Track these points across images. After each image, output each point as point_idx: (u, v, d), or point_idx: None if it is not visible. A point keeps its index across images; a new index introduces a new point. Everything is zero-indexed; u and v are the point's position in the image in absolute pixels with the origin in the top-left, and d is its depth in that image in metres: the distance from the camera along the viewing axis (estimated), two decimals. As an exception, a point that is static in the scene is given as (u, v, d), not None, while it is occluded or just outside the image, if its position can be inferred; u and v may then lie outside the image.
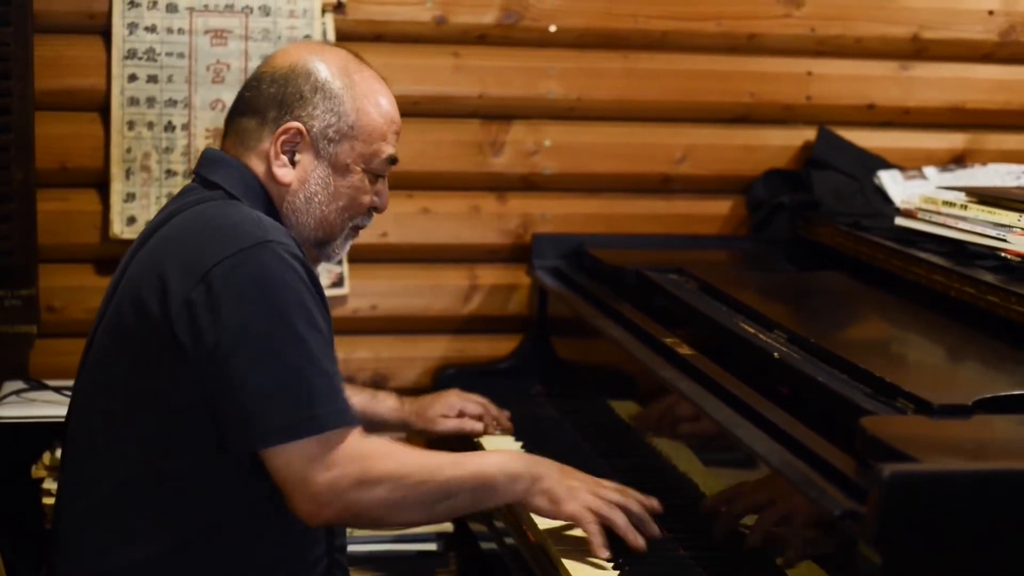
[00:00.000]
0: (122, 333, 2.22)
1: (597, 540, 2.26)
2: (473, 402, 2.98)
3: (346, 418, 2.14)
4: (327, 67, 2.35)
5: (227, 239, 2.16)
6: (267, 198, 2.34)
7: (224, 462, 2.17)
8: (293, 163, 2.34)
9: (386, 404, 2.92)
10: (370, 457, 2.15)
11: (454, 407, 2.94)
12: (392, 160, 2.42)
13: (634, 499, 2.31)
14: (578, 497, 2.28)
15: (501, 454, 2.39)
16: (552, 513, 2.29)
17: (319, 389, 2.12)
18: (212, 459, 2.17)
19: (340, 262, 3.42)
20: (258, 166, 2.34)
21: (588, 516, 2.27)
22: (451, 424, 2.95)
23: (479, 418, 2.96)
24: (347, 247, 2.45)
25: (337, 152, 2.35)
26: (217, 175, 2.33)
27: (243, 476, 2.17)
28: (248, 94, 2.37)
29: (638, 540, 2.26)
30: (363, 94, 2.37)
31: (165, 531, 2.18)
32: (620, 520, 2.27)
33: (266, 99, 2.34)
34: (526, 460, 2.32)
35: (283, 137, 2.32)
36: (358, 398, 2.83)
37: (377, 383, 3.51)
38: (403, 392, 3.49)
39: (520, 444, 2.95)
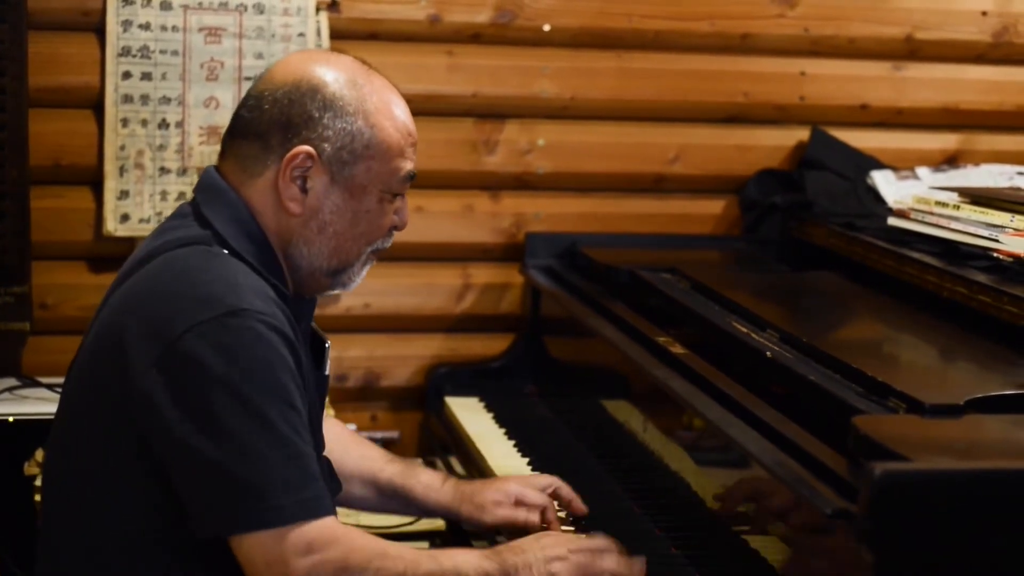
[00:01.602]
0: (84, 379, 2.11)
1: None
2: (535, 489, 2.45)
3: (318, 507, 1.99)
4: (334, 80, 2.13)
5: (199, 303, 1.99)
6: (262, 238, 2.13)
7: (168, 527, 2.03)
8: (304, 190, 2.12)
9: (422, 480, 2.48)
10: (349, 545, 2.00)
11: (510, 494, 2.42)
12: (411, 176, 2.20)
13: (605, 551, 2.17)
14: (557, 572, 2.11)
15: (474, 553, 2.12)
16: None
17: (288, 476, 1.96)
18: (162, 530, 2.04)
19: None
20: (259, 196, 2.13)
21: None
22: (503, 513, 2.41)
23: (541, 510, 2.42)
24: (364, 273, 2.25)
25: (353, 175, 2.13)
26: (211, 209, 2.13)
27: (192, 545, 2.03)
28: (248, 115, 2.14)
29: None
30: (376, 107, 2.14)
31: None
32: None
33: (269, 120, 2.11)
34: (502, 555, 2.11)
35: (292, 163, 2.10)
36: (390, 469, 2.50)
37: (369, 382, 3.52)
38: (396, 392, 3.52)
39: (513, 443, 2.95)
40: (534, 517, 2.39)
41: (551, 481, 2.48)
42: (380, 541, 2.05)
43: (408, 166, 2.18)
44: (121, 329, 2.04)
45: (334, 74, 2.14)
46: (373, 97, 2.15)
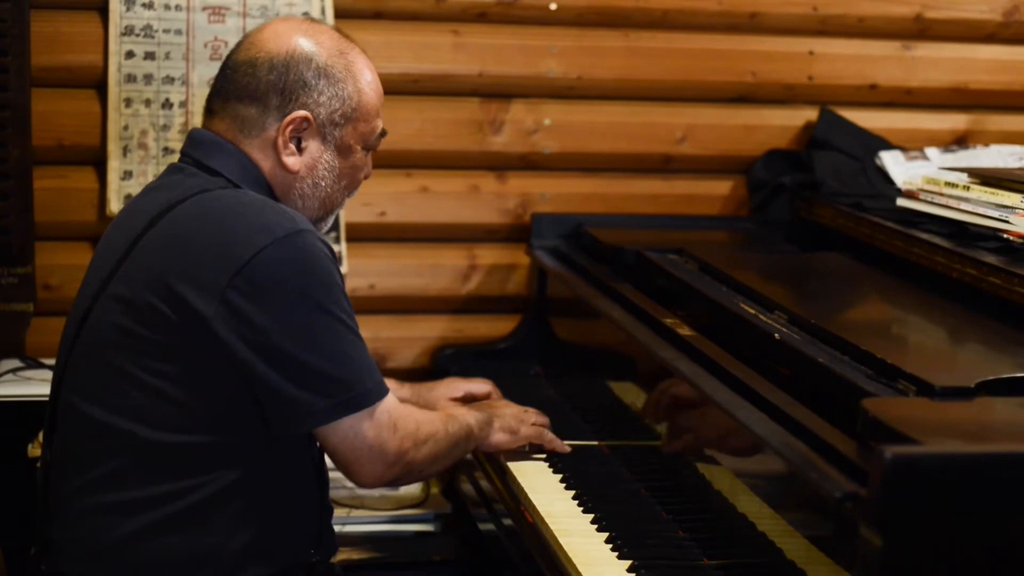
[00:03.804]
0: (135, 321, 2.22)
1: (558, 445, 2.69)
2: (477, 383, 2.93)
3: (386, 386, 2.31)
4: (325, 50, 2.36)
5: (257, 229, 2.20)
6: (267, 185, 2.35)
7: (234, 438, 2.23)
8: (299, 149, 2.36)
9: None
10: (415, 417, 2.37)
11: (459, 388, 2.90)
12: (384, 133, 2.46)
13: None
14: (525, 421, 2.67)
15: (467, 410, 2.61)
16: (511, 443, 2.64)
17: (367, 363, 2.27)
18: (234, 438, 2.23)
19: (338, 240, 3.41)
20: (257, 153, 2.35)
21: (537, 433, 2.67)
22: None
23: (487, 396, 2.90)
24: (333, 219, 2.52)
25: (342, 135, 2.38)
26: (215, 161, 2.34)
27: (259, 451, 2.24)
28: (243, 80, 2.34)
29: (564, 446, 2.69)
30: (359, 74, 2.39)
31: (171, 502, 2.22)
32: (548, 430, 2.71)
33: (266, 86, 2.33)
34: (485, 410, 2.64)
35: (291, 126, 2.33)
36: None
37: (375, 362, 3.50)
38: (402, 373, 3.51)
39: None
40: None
41: (488, 383, 2.94)
42: (421, 411, 2.44)
43: (381, 124, 2.46)
44: (166, 271, 2.20)
45: (323, 43, 2.37)
46: (356, 64, 2.40)
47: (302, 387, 2.20)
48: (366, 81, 2.39)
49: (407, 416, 2.34)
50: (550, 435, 2.69)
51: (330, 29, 2.43)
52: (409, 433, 2.32)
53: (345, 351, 2.23)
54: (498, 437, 2.61)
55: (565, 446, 2.69)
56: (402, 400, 2.76)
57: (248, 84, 2.33)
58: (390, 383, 2.80)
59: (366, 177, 2.48)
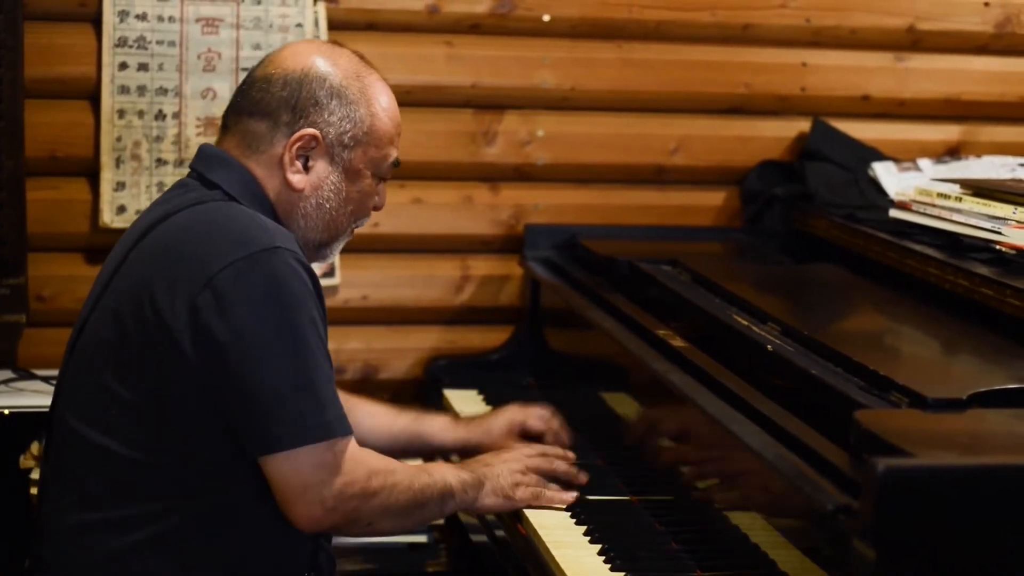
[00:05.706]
0: (118, 333, 2.21)
1: (560, 498, 2.46)
2: (535, 417, 2.72)
3: (347, 425, 2.19)
4: (340, 71, 2.34)
5: (234, 243, 2.16)
6: (268, 203, 2.32)
7: (218, 459, 2.19)
8: (306, 168, 2.33)
9: (435, 424, 2.73)
10: (370, 466, 2.23)
11: (515, 423, 2.70)
12: (397, 163, 2.42)
13: (556, 457, 2.54)
14: (520, 482, 2.44)
15: (451, 466, 2.45)
16: (506, 507, 2.44)
17: (325, 396, 2.16)
18: (205, 457, 2.19)
19: (331, 252, 3.41)
20: (262, 169, 2.32)
21: (535, 495, 2.44)
22: (514, 444, 2.67)
23: (541, 435, 2.71)
24: (341, 246, 2.46)
25: (351, 158, 2.35)
26: (216, 175, 2.31)
27: (237, 471, 2.20)
28: (257, 95, 2.33)
29: (569, 497, 2.46)
30: (374, 98, 2.36)
31: (153, 522, 2.19)
32: (554, 489, 2.48)
33: (278, 102, 2.31)
34: (470, 466, 2.45)
35: (299, 143, 2.31)
36: (402, 420, 2.72)
37: (367, 374, 3.50)
38: (394, 384, 3.51)
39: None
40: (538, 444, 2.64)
41: (547, 410, 2.73)
42: (386, 459, 2.29)
43: (395, 153, 2.41)
44: (159, 282, 2.17)
45: (340, 65, 2.35)
46: (371, 89, 2.36)
47: (249, 412, 2.14)
48: (381, 107, 2.36)
49: (360, 462, 2.20)
50: (550, 494, 2.46)
51: (351, 53, 2.40)
52: (356, 480, 2.18)
53: (299, 379, 2.13)
54: (487, 501, 2.41)
55: (570, 496, 2.47)
56: (461, 441, 2.71)
57: (261, 99, 2.32)
58: (437, 421, 2.72)
59: (376, 208, 2.43)
